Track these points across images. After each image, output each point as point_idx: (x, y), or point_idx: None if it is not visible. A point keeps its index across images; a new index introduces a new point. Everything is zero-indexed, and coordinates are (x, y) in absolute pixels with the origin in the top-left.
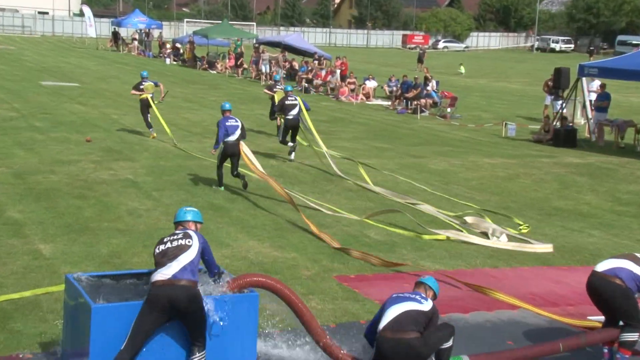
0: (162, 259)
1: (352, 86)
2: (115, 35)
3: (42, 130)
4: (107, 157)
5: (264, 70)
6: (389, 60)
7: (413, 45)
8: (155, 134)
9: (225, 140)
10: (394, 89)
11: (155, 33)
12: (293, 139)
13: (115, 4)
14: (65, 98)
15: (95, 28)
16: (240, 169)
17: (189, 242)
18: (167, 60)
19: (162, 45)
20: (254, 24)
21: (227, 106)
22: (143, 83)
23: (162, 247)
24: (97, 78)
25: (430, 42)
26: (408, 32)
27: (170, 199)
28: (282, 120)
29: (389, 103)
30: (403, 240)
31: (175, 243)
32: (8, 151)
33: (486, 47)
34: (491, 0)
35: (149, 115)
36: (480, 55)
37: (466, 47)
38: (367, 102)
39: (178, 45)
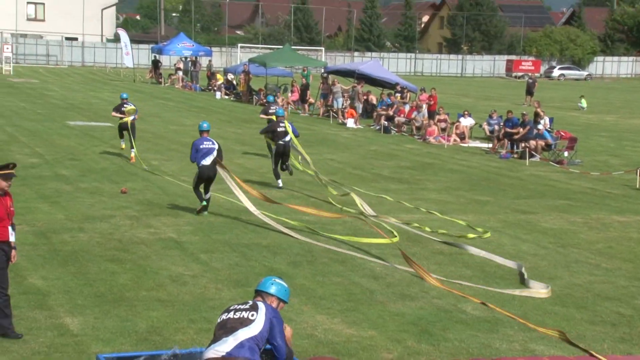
0: (219, 332)
1: (443, 125)
2: (156, 65)
3: (69, 180)
4: (145, 212)
5: (336, 106)
6: (489, 93)
7: (520, 74)
8: (133, 158)
9: (201, 164)
10: (496, 128)
11: (204, 61)
12: (283, 166)
13: (156, 27)
14: (96, 141)
15: (132, 56)
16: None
17: (252, 315)
18: (218, 95)
19: (211, 76)
20: (323, 49)
21: (205, 126)
22: (125, 105)
23: (224, 316)
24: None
25: (543, 69)
26: (514, 57)
27: (221, 262)
28: (273, 146)
29: (490, 145)
30: (508, 317)
31: (238, 314)
32: (30, 205)
33: (615, 75)
34: (622, 16)
35: (123, 138)
36: (608, 85)
37: (588, 75)
38: (462, 145)
39: (231, 76)
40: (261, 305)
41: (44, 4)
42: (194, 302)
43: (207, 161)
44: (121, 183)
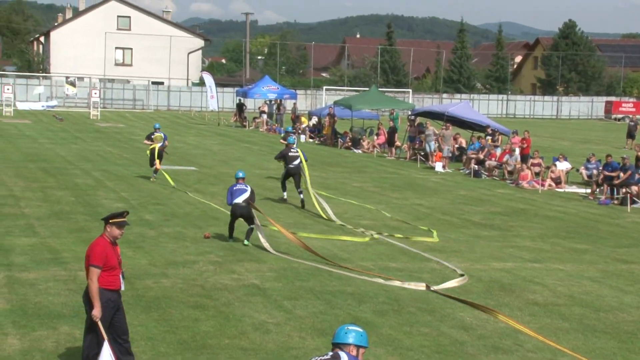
0: None
1: (537, 169)
2: (240, 108)
3: (153, 225)
4: (229, 257)
5: (428, 149)
6: (587, 135)
7: (620, 116)
8: (154, 179)
9: (233, 202)
10: (595, 172)
11: (288, 104)
12: (297, 186)
13: (241, 71)
14: (180, 185)
15: (217, 99)
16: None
17: None
18: (302, 137)
19: (295, 119)
20: (410, 90)
21: (240, 174)
22: (154, 134)
23: None
24: (218, 160)
25: None
26: (614, 99)
27: (305, 310)
28: (284, 167)
29: (588, 191)
30: None
31: None
32: None
33: None
34: None
35: (155, 163)
36: None
37: None
38: (557, 190)
39: (315, 118)
40: (343, 356)
41: (131, 49)
42: (278, 351)
43: (239, 200)
44: (204, 228)
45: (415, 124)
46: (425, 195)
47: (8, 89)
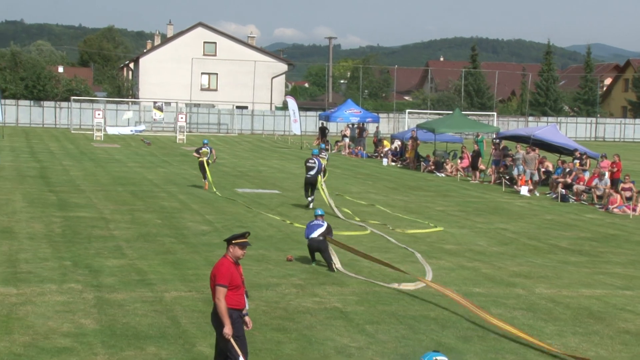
0: None
1: (628, 193)
2: (323, 132)
3: None
4: (311, 280)
5: (516, 172)
6: None
7: None
8: (207, 184)
9: (310, 237)
10: None
11: (371, 128)
12: (312, 193)
13: (324, 94)
14: (263, 208)
15: (300, 123)
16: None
17: None
18: (385, 161)
19: (378, 142)
20: (495, 114)
21: (318, 212)
22: (202, 149)
23: None
24: (300, 184)
25: None
26: None
27: (387, 334)
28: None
29: None
30: None
31: None
32: (199, 272)
33: None
34: None
35: (206, 173)
36: None
37: None
38: None
39: (398, 142)
40: None
41: (217, 74)
42: None
43: (314, 234)
44: (287, 251)
45: (501, 148)
46: (510, 220)
47: (99, 114)
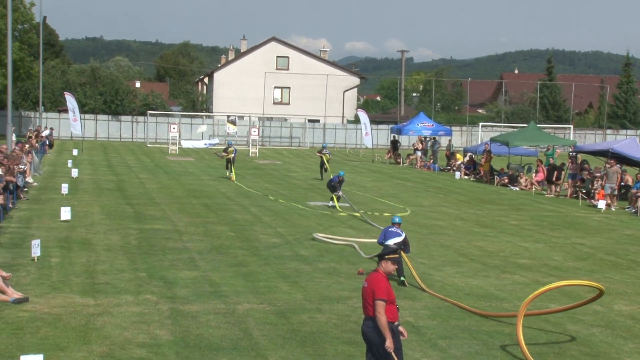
0: None
1: None
2: (395, 145)
3: (308, 260)
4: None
5: (596, 186)
6: None
7: None
8: (233, 178)
9: (385, 243)
10: None
11: (443, 141)
12: (332, 199)
13: (396, 108)
14: (335, 221)
15: (371, 136)
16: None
17: None
18: (457, 175)
19: (450, 155)
20: (571, 126)
21: (396, 219)
22: (228, 149)
23: None
24: (371, 197)
25: None
26: None
27: (460, 349)
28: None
29: None
30: None
31: None
32: (271, 285)
33: None
34: None
35: (231, 167)
36: None
37: None
38: None
39: (472, 155)
40: None
41: (289, 88)
42: None
43: (390, 242)
44: (358, 264)
45: (578, 161)
46: (587, 235)
47: (174, 128)
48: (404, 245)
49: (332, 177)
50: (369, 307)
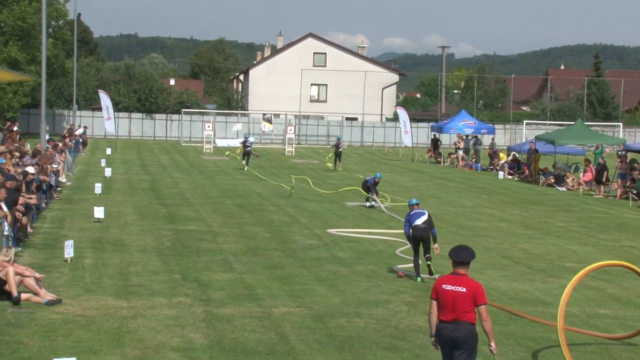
0: None
1: None
2: (435, 144)
3: (346, 262)
4: (423, 298)
5: None
6: None
7: None
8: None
9: (413, 224)
10: None
11: (486, 139)
12: (367, 199)
13: (437, 105)
14: (373, 222)
15: (411, 135)
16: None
17: None
18: (500, 174)
19: (493, 154)
20: (620, 124)
21: (414, 201)
22: (248, 140)
23: None
24: (412, 197)
25: None
26: None
27: (505, 357)
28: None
29: None
30: None
31: None
32: (307, 287)
33: None
34: None
35: (248, 159)
36: None
37: None
38: None
39: (515, 154)
40: None
41: (326, 85)
42: None
43: (418, 222)
44: (394, 262)
45: (628, 160)
46: (638, 237)
47: (209, 127)
48: (429, 224)
49: (367, 178)
50: (466, 312)
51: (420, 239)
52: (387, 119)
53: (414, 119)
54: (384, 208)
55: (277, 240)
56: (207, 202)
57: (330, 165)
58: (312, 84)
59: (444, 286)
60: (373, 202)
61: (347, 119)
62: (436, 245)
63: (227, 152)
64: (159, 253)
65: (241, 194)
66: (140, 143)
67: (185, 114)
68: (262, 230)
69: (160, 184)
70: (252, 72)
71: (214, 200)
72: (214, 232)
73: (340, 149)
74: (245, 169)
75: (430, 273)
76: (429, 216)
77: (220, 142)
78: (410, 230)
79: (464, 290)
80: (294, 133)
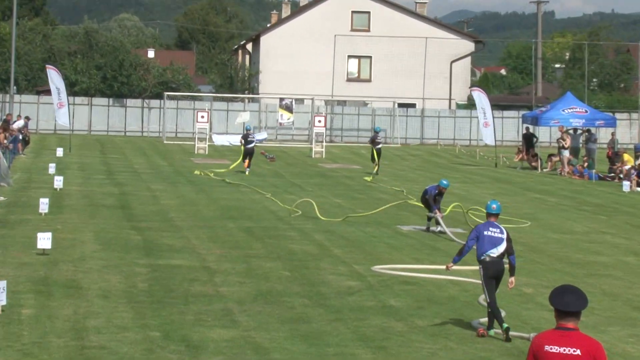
0: None
1: None
2: (529, 141)
3: (400, 313)
4: None
5: None
6: None
7: None
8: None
9: (486, 252)
10: None
11: (603, 134)
12: (429, 219)
13: (530, 86)
14: (440, 254)
15: (493, 128)
16: None
17: None
18: (626, 185)
19: (614, 157)
20: None
21: (494, 207)
22: (249, 137)
23: None
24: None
25: None
26: None
27: None
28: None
29: None
30: None
31: None
32: (345, 351)
33: None
34: None
35: (250, 160)
36: None
37: None
38: None
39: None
40: None
41: (370, 58)
42: None
43: (493, 252)
44: (472, 315)
45: None
46: None
47: (202, 117)
48: (510, 250)
49: (427, 187)
50: None
51: (495, 276)
52: (459, 106)
53: (497, 106)
54: (450, 233)
55: (300, 282)
56: (199, 225)
57: (369, 179)
58: (349, 57)
59: (547, 348)
60: (438, 226)
61: (400, 105)
62: (512, 279)
63: (197, 172)
64: (130, 300)
65: (249, 214)
66: (106, 140)
67: (169, 99)
68: (278, 266)
69: (133, 199)
70: (265, 40)
71: (210, 223)
72: (209, 270)
73: (380, 145)
74: (246, 173)
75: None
76: (508, 238)
77: (219, 140)
78: (483, 257)
79: (578, 353)
80: (325, 126)
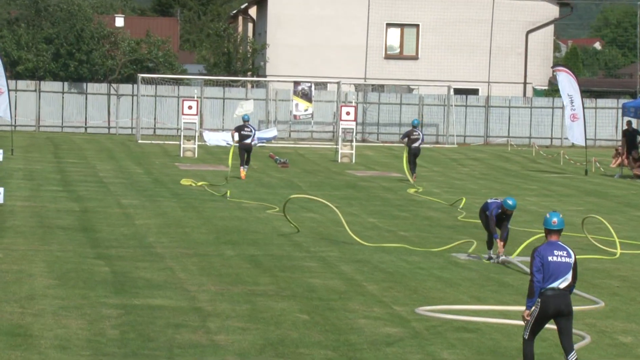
0: None
1: None
2: (632, 139)
3: None
4: None
5: None
6: None
7: None
8: (243, 173)
9: (548, 287)
10: None
11: None
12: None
13: (633, 65)
14: (507, 291)
15: (584, 122)
16: None
17: None
18: None
19: None
20: None
21: (554, 222)
22: (245, 129)
23: None
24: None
25: None
26: None
27: None
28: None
29: None
30: None
31: None
32: None
33: None
34: None
35: (248, 159)
36: None
37: None
38: None
39: None
40: None
41: (417, 26)
42: None
43: (558, 284)
44: None
45: None
46: None
47: (190, 108)
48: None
49: (488, 200)
50: None
51: (558, 312)
52: (537, 92)
53: (589, 92)
54: (519, 263)
55: (323, 328)
56: (188, 253)
57: (412, 190)
58: (389, 25)
59: None
60: (501, 256)
61: (457, 91)
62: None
63: (184, 180)
64: (96, 352)
65: (253, 238)
66: (60, 139)
67: (145, 83)
68: (293, 306)
69: (98, 218)
70: (274, 3)
71: (202, 250)
72: (201, 312)
73: (419, 144)
74: (242, 171)
75: None
76: (575, 263)
77: (213, 138)
78: (544, 290)
79: None
80: (355, 120)
